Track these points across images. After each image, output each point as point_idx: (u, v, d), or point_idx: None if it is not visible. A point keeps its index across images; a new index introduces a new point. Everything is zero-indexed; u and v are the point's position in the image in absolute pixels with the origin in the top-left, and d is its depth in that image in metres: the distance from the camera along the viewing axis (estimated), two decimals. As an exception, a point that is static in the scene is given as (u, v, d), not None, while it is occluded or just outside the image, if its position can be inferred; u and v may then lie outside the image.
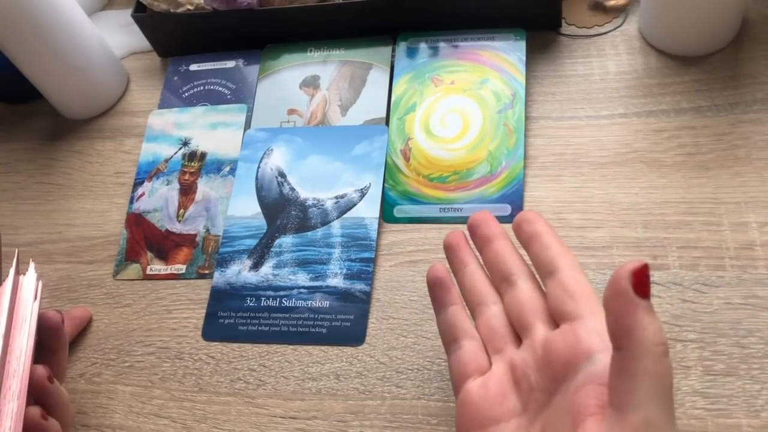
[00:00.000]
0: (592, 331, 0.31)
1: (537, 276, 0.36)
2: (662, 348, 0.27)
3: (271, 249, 0.52)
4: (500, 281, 0.37)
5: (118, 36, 0.68)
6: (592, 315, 0.32)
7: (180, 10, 0.61)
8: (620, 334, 0.28)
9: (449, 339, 0.38)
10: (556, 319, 0.34)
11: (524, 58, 0.55)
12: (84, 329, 0.53)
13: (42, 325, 0.43)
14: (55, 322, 0.43)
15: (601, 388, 0.29)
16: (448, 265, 0.40)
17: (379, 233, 0.51)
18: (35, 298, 0.43)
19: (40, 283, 0.44)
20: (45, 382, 0.41)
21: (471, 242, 0.40)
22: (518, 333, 0.36)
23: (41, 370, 0.41)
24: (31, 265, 0.45)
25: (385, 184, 0.53)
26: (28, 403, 0.40)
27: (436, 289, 0.39)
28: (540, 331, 0.34)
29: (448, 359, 0.38)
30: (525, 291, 0.36)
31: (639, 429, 0.27)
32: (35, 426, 0.39)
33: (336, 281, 0.50)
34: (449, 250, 0.40)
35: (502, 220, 0.49)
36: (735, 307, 0.43)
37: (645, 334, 0.27)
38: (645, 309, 0.27)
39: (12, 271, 0.43)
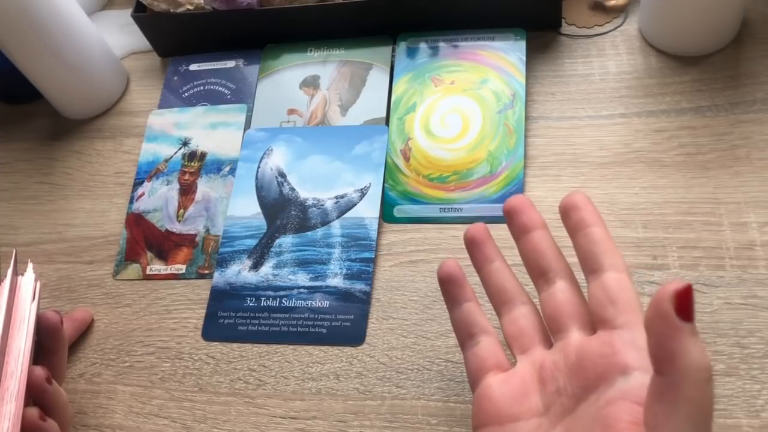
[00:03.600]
0: (630, 345, 0.30)
1: (581, 269, 0.35)
2: (706, 374, 0.26)
3: (271, 249, 0.52)
4: (537, 275, 0.36)
5: (118, 36, 0.68)
6: (632, 326, 0.31)
7: (180, 10, 0.61)
8: (662, 359, 0.26)
9: (465, 335, 0.37)
10: (594, 321, 0.33)
11: (524, 58, 0.55)
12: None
13: (41, 325, 0.43)
14: (53, 323, 0.43)
15: (635, 407, 0.29)
16: (455, 260, 0.39)
17: (379, 233, 0.51)
18: (33, 298, 0.43)
19: (39, 284, 0.44)
20: (43, 383, 0.40)
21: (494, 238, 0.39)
22: (551, 333, 0.35)
23: (39, 371, 0.40)
24: (30, 265, 0.45)
25: (385, 184, 0.53)
26: (27, 404, 0.40)
27: (449, 285, 0.38)
28: (575, 335, 0.33)
29: (464, 355, 0.37)
30: (563, 291, 0.35)
31: None
32: (33, 427, 0.39)
33: (336, 281, 0.50)
34: (473, 243, 0.38)
35: (501, 220, 0.49)
36: (735, 307, 0.43)
37: (689, 359, 0.26)
38: (688, 333, 0.26)
39: (10, 271, 0.43)
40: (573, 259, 0.36)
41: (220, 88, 0.62)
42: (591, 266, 0.34)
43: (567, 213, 0.36)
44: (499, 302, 0.37)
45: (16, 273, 0.44)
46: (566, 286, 0.35)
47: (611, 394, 0.30)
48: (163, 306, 0.52)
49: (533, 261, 0.36)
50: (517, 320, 0.36)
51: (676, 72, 0.53)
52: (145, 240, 0.56)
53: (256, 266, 0.52)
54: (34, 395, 0.41)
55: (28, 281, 0.44)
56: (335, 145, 0.55)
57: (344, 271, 0.50)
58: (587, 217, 0.35)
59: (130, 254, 0.55)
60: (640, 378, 0.29)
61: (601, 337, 0.32)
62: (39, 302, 0.44)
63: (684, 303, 0.26)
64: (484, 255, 0.38)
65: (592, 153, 0.51)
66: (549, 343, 0.35)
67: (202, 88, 0.62)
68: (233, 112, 0.60)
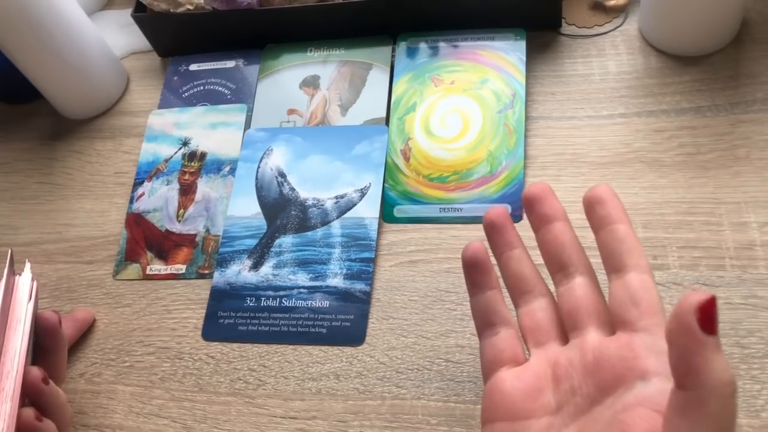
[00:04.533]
0: (651, 350, 0.30)
1: (603, 265, 0.34)
2: (731, 389, 0.25)
3: (271, 249, 0.52)
4: (556, 269, 0.35)
5: (118, 36, 0.68)
6: (653, 330, 0.30)
7: (180, 10, 0.61)
8: (685, 374, 0.25)
9: (485, 323, 0.36)
10: (614, 322, 0.32)
11: (524, 58, 0.55)
12: (83, 329, 0.53)
13: (39, 325, 0.43)
14: (52, 323, 0.43)
15: (653, 414, 0.28)
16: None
17: (379, 233, 0.51)
18: (30, 298, 0.43)
19: (36, 284, 0.44)
20: (39, 384, 0.40)
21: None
22: (567, 329, 0.34)
23: (36, 371, 0.40)
24: (27, 265, 0.45)
25: (385, 184, 0.53)
26: (24, 405, 0.40)
27: (473, 270, 0.36)
28: (593, 334, 0.32)
29: (481, 343, 0.36)
30: (582, 287, 0.34)
31: None
32: (29, 427, 0.39)
33: (336, 281, 0.50)
34: (493, 227, 0.37)
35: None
36: (735, 307, 0.43)
37: (712, 375, 0.25)
38: (712, 347, 0.25)
39: (6, 271, 0.43)
40: (594, 257, 0.35)
41: (220, 88, 0.62)
42: (614, 265, 0.33)
43: (591, 207, 0.34)
44: (517, 292, 0.36)
45: (13, 273, 0.44)
46: (586, 281, 0.34)
47: (629, 399, 0.29)
48: (163, 306, 0.52)
49: (553, 254, 0.35)
50: (534, 313, 0.35)
51: (676, 72, 0.53)
52: (145, 240, 0.56)
53: (256, 266, 0.52)
54: (31, 396, 0.40)
55: (25, 281, 0.44)
56: (335, 145, 0.55)
57: (344, 271, 0.50)
58: (613, 213, 0.33)
59: (130, 254, 0.55)
60: (659, 384, 0.29)
61: (621, 339, 0.31)
62: (36, 302, 0.44)
63: (708, 316, 0.25)
64: (504, 240, 0.37)
65: (592, 153, 0.51)
66: (565, 339, 0.34)
67: (202, 88, 0.62)
68: (233, 112, 0.60)
